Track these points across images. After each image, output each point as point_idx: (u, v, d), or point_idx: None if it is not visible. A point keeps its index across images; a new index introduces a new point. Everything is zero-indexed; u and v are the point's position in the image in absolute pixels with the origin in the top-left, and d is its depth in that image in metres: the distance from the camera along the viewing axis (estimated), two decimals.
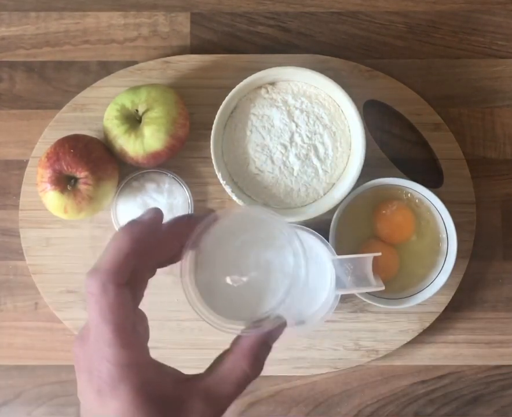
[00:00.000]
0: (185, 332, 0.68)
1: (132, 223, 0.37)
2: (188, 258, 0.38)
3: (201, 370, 0.40)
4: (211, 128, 0.64)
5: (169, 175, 0.67)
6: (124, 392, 0.35)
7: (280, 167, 0.66)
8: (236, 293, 0.39)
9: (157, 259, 0.39)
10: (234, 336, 0.39)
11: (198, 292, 0.39)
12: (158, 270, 0.40)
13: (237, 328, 0.38)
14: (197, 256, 0.39)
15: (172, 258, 0.39)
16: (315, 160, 0.66)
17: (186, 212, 0.66)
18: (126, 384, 0.35)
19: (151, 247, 0.38)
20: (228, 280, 0.39)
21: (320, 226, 0.64)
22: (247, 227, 0.40)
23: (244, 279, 0.39)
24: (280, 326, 0.39)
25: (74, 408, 0.68)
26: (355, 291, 0.63)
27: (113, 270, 0.36)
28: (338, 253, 0.62)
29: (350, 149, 0.66)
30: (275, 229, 0.39)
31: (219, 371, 0.38)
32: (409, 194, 0.66)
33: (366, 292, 0.64)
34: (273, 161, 0.66)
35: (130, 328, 0.36)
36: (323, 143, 0.66)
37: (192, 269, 0.39)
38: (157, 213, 0.39)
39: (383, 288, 0.61)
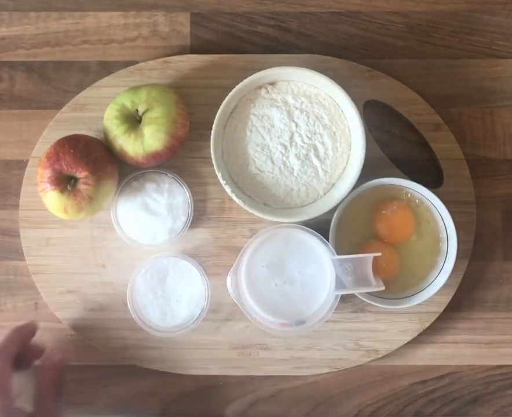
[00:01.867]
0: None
1: (17, 328, 0.62)
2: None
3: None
4: (211, 128, 0.64)
5: (169, 175, 0.67)
6: None
7: (280, 167, 0.66)
8: (164, 313, 0.67)
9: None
10: None
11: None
12: None
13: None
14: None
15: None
16: (315, 160, 0.66)
17: (186, 212, 0.66)
18: None
19: (26, 343, 0.63)
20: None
21: (320, 226, 0.64)
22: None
23: (174, 303, 0.67)
24: None
25: (74, 408, 0.68)
26: (355, 291, 0.63)
27: (6, 355, 0.60)
28: (338, 253, 0.62)
29: (350, 149, 0.66)
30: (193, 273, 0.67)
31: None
32: (409, 194, 0.66)
33: (366, 292, 0.64)
34: (273, 161, 0.66)
35: (10, 388, 0.59)
36: (323, 143, 0.66)
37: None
38: (33, 325, 0.64)
39: (383, 288, 0.61)
